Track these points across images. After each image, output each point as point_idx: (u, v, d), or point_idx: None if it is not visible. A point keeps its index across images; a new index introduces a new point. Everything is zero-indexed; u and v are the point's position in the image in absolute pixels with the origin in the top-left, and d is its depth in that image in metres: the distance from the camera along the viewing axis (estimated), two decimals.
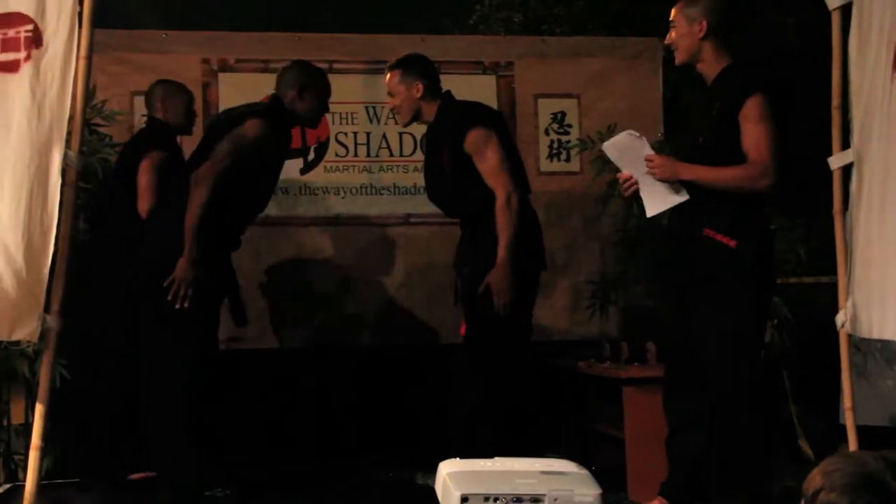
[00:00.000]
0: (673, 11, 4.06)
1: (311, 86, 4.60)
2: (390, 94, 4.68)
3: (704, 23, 3.97)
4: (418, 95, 4.59)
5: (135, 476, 4.80)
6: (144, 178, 4.84)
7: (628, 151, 3.99)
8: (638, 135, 3.99)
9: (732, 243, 3.84)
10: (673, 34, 4.04)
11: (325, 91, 4.68)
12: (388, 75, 4.67)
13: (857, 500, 1.81)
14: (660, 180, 3.94)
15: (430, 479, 4.60)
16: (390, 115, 5.61)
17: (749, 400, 3.85)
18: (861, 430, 3.77)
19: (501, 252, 4.34)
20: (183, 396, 4.27)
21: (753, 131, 3.85)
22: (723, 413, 3.86)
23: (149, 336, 4.40)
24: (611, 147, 4.06)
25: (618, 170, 4.12)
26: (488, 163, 4.44)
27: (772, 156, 3.83)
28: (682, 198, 3.93)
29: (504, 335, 4.42)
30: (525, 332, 4.60)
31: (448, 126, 4.54)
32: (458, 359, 4.59)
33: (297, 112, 4.59)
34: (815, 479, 1.86)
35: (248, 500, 4.57)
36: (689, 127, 4.29)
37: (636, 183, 4.01)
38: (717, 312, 3.86)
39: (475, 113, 4.60)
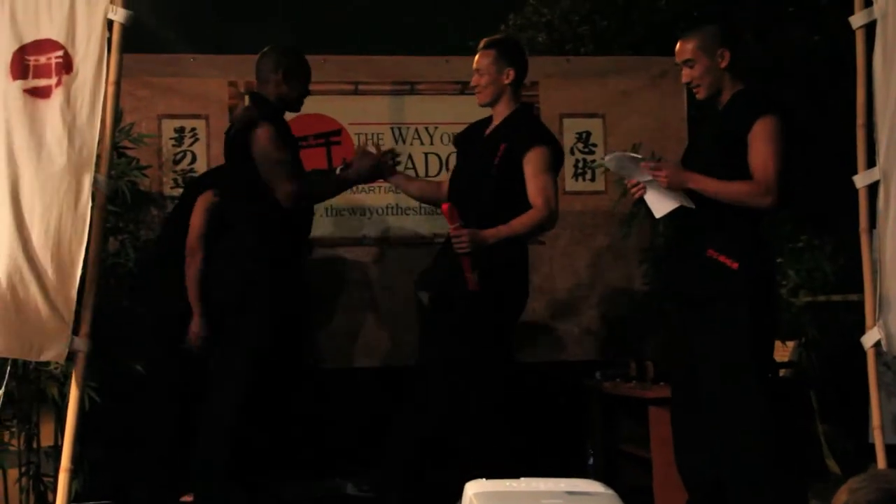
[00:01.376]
0: (685, 49, 4.06)
1: (294, 68, 4.58)
2: (478, 71, 4.56)
3: (727, 52, 4.01)
4: (507, 82, 4.52)
5: (186, 498, 4.79)
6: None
7: (627, 165, 4.07)
8: (631, 155, 4.11)
9: (735, 265, 3.87)
10: (694, 71, 4.05)
11: (307, 73, 4.65)
12: (480, 54, 4.56)
13: None
14: (667, 188, 3.99)
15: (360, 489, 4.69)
16: (416, 136, 5.64)
17: (754, 421, 3.85)
18: (890, 449, 3.76)
19: (503, 228, 4.34)
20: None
21: (761, 151, 3.90)
22: (727, 435, 3.87)
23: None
24: (609, 163, 4.18)
25: None
26: (540, 182, 4.42)
27: (776, 175, 3.89)
28: (688, 202, 3.97)
29: (477, 362, 4.38)
30: (500, 360, 4.52)
31: (517, 133, 4.49)
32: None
33: (282, 97, 4.57)
34: (840, 496, 1.86)
35: None
36: (699, 145, 4.31)
37: (644, 187, 4.06)
38: (716, 334, 3.90)
39: (546, 132, 4.59)
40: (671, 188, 3.99)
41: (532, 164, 4.43)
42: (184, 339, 4.87)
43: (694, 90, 4.13)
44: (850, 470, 5.28)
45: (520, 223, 4.39)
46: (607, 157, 4.18)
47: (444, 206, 4.33)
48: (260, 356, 4.41)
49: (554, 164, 4.52)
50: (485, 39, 4.63)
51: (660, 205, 4.05)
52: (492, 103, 4.58)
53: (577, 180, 5.92)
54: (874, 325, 3.64)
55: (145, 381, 4.79)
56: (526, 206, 4.42)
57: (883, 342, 3.60)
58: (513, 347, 4.62)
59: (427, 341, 4.59)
